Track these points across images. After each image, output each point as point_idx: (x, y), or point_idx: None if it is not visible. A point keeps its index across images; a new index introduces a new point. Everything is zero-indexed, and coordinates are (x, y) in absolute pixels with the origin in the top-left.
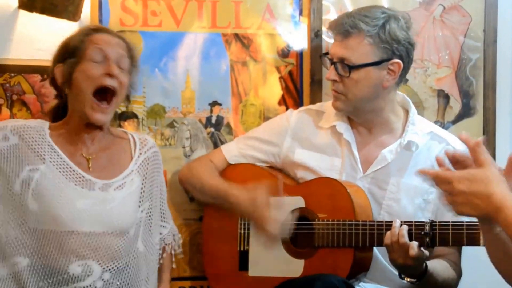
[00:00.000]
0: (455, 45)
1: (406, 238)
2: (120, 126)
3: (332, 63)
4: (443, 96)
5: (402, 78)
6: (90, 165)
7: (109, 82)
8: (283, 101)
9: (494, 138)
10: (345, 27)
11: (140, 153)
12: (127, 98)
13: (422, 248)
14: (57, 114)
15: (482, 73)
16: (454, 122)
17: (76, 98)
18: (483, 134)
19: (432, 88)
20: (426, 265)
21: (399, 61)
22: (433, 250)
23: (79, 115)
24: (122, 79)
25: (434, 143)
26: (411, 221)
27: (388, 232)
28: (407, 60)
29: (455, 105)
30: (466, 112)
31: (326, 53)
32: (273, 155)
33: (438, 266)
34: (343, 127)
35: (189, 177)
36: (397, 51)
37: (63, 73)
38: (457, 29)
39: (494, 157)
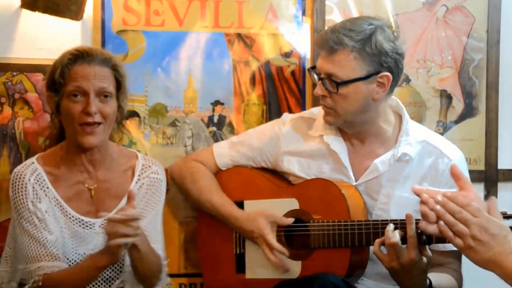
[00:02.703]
0: (458, 46)
1: (397, 239)
2: (122, 124)
3: (320, 78)
4: (446, 96)
5: (393, 89)
6: (92, 194)
7: (90, 120)
8: (285, 101)
9: (497, 139)
10: (329, 44)
11: (138, 179)
12: (119, 124)
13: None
14: (58, 137)
15: (485, 74)
16: (457, 122)
17: (66, 128)
18: (485, 134)
19: (434, 88)
20: (431, 282)
21: (388, 73)
22: (432, 259)
23: (74, 140)
24: (105, 110)
25: (426, 153)
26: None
27: (377, 240)
28: (397, 71)
29: (458, 105)
30: (468, 112)
31: (314, 67)
32: (264, 161)
33: (442, 281)
34: (331, 137)
35: (180, 183)
36: (385, 64)
37: (50, 104)
38: (460, 29)
39: (496, 157)
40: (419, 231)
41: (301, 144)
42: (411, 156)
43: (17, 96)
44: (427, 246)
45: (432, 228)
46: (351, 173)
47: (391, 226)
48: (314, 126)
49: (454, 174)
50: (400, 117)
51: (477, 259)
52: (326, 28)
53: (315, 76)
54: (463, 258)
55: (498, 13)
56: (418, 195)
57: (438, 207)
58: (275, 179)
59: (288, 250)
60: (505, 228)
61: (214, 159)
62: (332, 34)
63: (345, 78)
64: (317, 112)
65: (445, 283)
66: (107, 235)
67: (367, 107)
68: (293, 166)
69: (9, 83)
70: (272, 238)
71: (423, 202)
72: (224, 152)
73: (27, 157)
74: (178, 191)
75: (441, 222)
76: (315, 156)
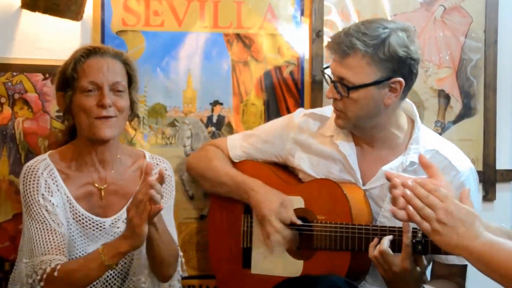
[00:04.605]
0: (456, 46)
1: (384, 246)
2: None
3: (332, 81)
4: (444, 96)
5: (406, 94)
6: (102, 194)
7: (105, 113)
8: (284, 101)
9: (495, 138)
10: (342, 47)
11: None
12: (134, 116)
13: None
14: (69, 135)
15: (483, 74)
16: (455, 122)
17: (80, 125)
18: (483, 134)
19: (432, 88)
20: None
21: (400, 79)
22: (435, 270)
23: (87, 136)
24: (119, 104)
25: (435, 163)
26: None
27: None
28: (410, 76)
29: (456, 105)
30: (466, 112)
31: (327, 67)
32: (275, 155)
33: None
34: (341, 139)
35: (196, 166)
36: (398, 69)
37: (62, 104)
38: (458, 29)
39: (494, 158)
40: (414, 240)
41: (311, 139)
42: (419, 166)
43: (17, 96)
44: (423, 257)
45: (401, 214)
46: (359, 176)
47: (390, 237)
48: (326, 126)
49: (423, 163)
50: (413, 122)
51: (445, 243)
52: (324, 28)
53: (328, 78)
54: (468, 270)
55: (495, 13)
56: (389, 179)
57: (407, 191)
58: (284, 175)
59: (292, 250)
60: (473, 215)
61: (228, 151)
62: (345, 38)
63: (357, 82)
64: (331, 112)
65: None
66: (136, 204)
67: (378, 112)
68: (304, 163)
69: (9, 83)
70: (276, 222)
71: (393, 187)
72: (237, 144)
73: (26, 158)
74: (184, 189)
75: (410, 207)
76: (324, 155)
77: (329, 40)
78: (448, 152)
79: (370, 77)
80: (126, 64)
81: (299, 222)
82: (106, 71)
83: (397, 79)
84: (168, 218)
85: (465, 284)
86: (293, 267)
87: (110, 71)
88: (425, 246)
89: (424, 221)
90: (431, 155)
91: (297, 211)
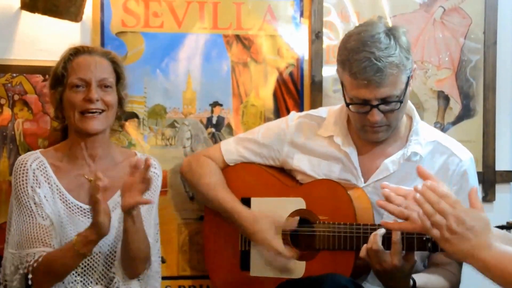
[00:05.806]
0: (455, 47)
1: (378, 245)
2: (120, 126)
3: (373, 106)
4: (443, 98)
5: None
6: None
7: (92, 106)
8: (283, 102)
9: (494, 139)
10: (386, 72)
11: None
12: (119, 119)
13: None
14: (60, 137)
15: (482, 75)
16: (454, 123)
17: (69, 119)
18: (483, 135)
19: (432, 90)
20: (414, 282)
21: (415, 65)
22: (431, 258)
23: (75, 129)
24: (107, 99)
25: (437, 153)
26: None
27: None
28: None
29: (455, 106)
30: (466, 113)
31: (352, 102)
32: (272, 159)
33: (428, 281)
34: (340, 138)
35: (189, 178)
36: (412, 57)
37: (53, 101)
38: (457, 30)
39: (493, 159)
40: (425, 238)
41: (309, 141)
42: (421, 156)
43: (16, 97)
44: (414, 253)
45: (392, 207)
46: (360, 174)
47: (381, 231)
48: (323, 127)
49: (422, 174)
50: (410, 117)
51: (454, 251)
52: (324, 29)
53: (358, 107)
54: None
55: (494, 14)
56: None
57: (418, 195)
58: (283, 177)
59: (293, 251)
60: (483, 220)
61: (222, 156)
62: (380, 63)
63: (400, 93)
64: (326, 112)
65: (432, 283)
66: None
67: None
68: (304, 164)
69: (9, 85)
70: (277, 243)
71: (386, 198)
72: (231, 148)
73: None
74: (184, 190)
75: (421, 212)
76: (324, 156)
77: (356, 73)
78: (448, 142)
79: (404, 80)
80: (114, 62)
81: (294, 224)
82: (94, 68)
83: (414, 66)
84: (148, 215)
85: (461, 270)
86: (295, 268)
87: (97, 68)
88: (435, 243)
89: (435, 228)
90: (433, 146)
91: (298, 212)
